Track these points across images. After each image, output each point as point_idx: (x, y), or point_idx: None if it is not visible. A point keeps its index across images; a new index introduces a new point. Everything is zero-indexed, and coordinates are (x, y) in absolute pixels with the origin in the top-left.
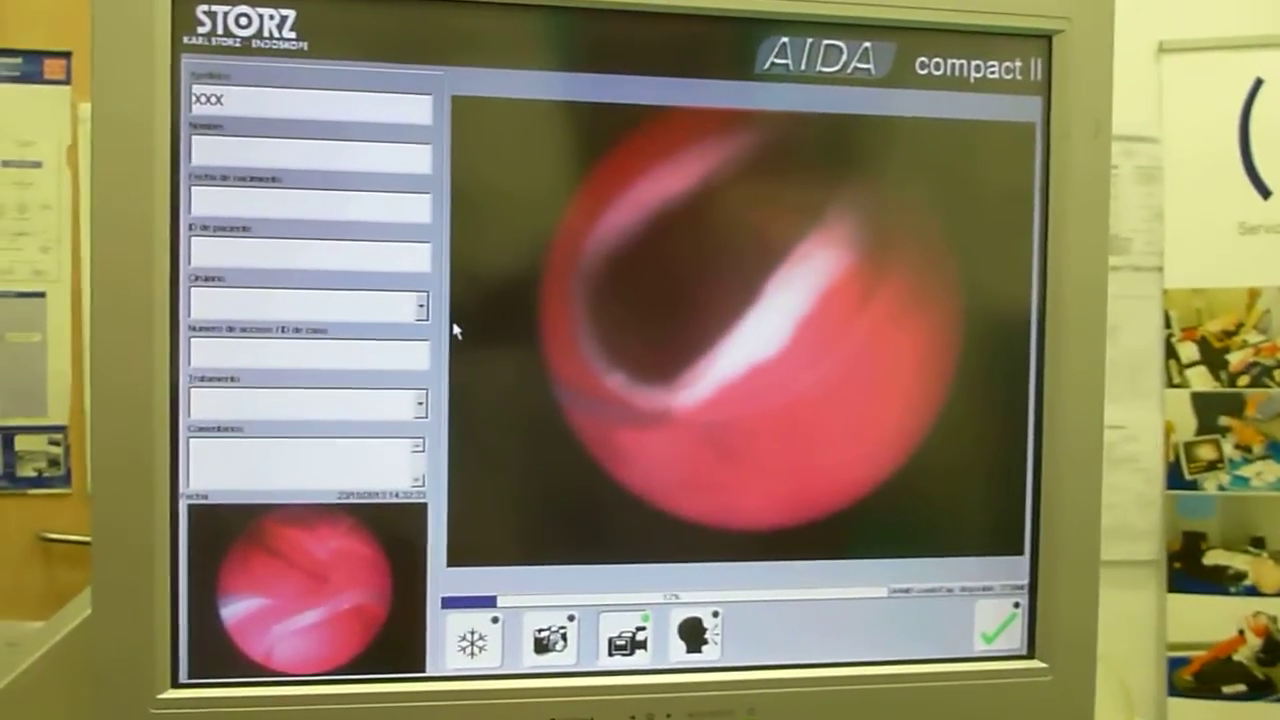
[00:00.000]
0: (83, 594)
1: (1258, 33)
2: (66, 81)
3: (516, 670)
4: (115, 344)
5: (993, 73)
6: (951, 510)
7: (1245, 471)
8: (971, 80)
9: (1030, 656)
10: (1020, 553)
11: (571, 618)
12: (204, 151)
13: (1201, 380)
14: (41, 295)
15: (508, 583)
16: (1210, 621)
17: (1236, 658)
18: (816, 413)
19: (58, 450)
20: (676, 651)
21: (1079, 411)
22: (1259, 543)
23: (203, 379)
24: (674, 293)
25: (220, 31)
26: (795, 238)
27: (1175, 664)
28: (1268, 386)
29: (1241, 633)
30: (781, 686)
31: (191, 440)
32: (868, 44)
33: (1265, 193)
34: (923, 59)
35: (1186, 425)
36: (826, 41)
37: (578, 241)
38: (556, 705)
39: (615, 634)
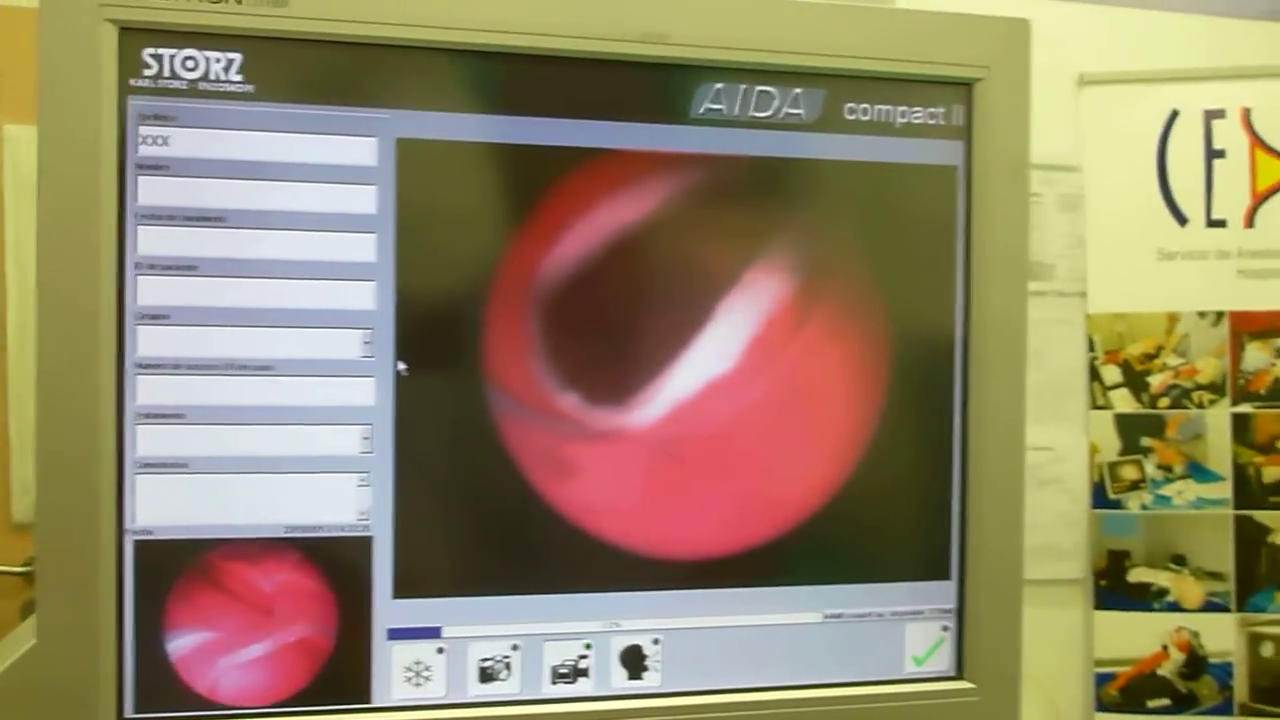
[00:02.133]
0: (16, 630)
1: (1174, 67)
2: None
3: (462, 700)
4: (61, 380)
5: (917, 118)
6: (882, 537)
7: (1167, 491)
8: (897, 125)
9: (959, 677)
10: (948, 578)
11: (515, 647)
12: (150, 192)
13: (1124, 402)
14: None
15: (453, 613)
16: (1135, 638)
17: (1160, 672)
18: (752, 443)
19: None
20: (619, 679)
21: (1000, 442)
22: (1180, 560)
23: (148, 416)
24: (617, 324)
25: (167, 74)
26: (729, 275)
27: (1102, 680)
28: (1186, 408)
29: (1165, 648)
30: (721, 711)
31: (137, 476)
32: (798, 90)
33: (1182, 220)
34: (851, 105)
35: (1110, 446)
36: (759, 88)
37: (520, 280)
38: None
39: (558, 662)
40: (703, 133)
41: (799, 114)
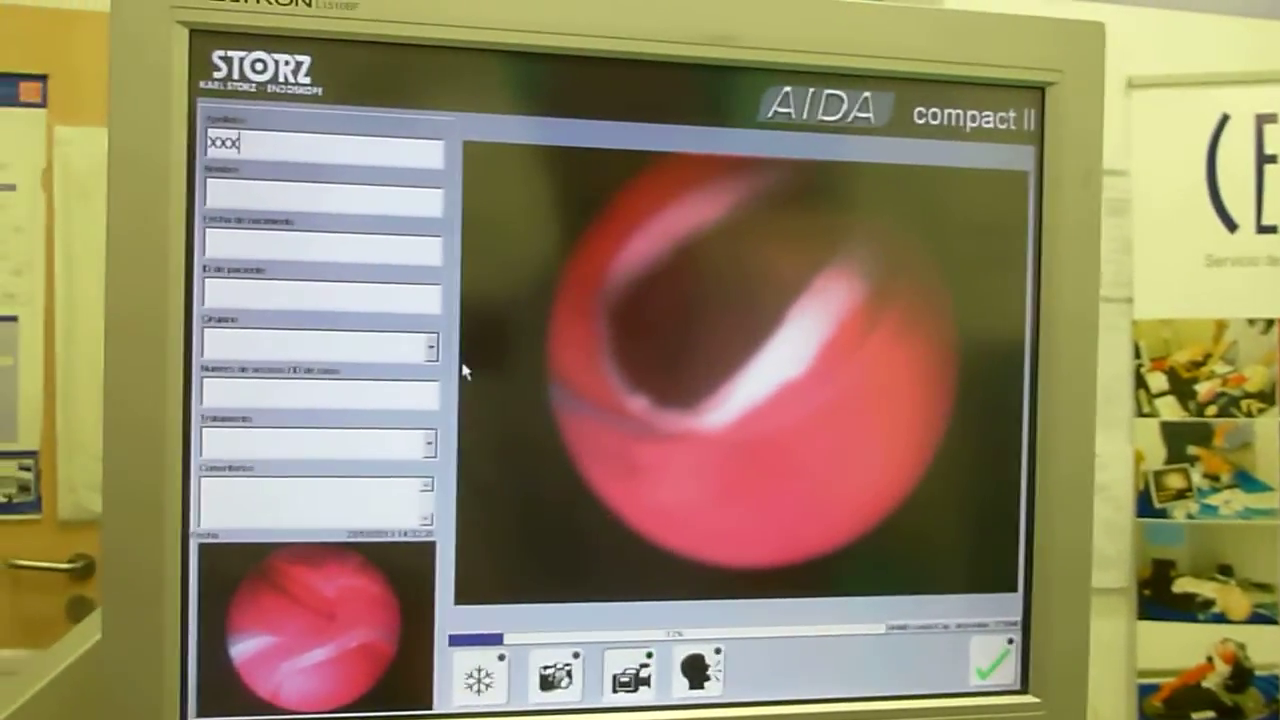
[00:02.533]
0: (76, 628)
1: (1224, 70)
2: (42, 104)
3: (522, 707)
4: (129, 382)
5: (988, 123)
6: (948, 548)
7: (1213, 500)
8: (967, 130)
9: (1024, 691)
10: (1014, 590)
11: (577, 655)
12: (219, 194)
13: (1170, 410)
14: (13, 319)
15: (515, 620)
16: (1179, 648)
17: (1205, 684)
18: (820, 450)
19: (28, 476)
20: (680, 688)
21: (1070, 452)
22: (1227, 570)
23: (215, 419)
24: (685, 328)
25: (236, 76)
26: (798, 280)
27: (1145, 691)
28: (1234, 416)
29: (1210, 660)
30: None
31: (203, 479)
32: (867, 94)
33: (1232, 226)
34: (920, 109)
35: (1156, 454)
36: (828, 91)
37: (587, 284)
38: None
39: (620, 671)
40: (771, 136)
41: (868, 118)
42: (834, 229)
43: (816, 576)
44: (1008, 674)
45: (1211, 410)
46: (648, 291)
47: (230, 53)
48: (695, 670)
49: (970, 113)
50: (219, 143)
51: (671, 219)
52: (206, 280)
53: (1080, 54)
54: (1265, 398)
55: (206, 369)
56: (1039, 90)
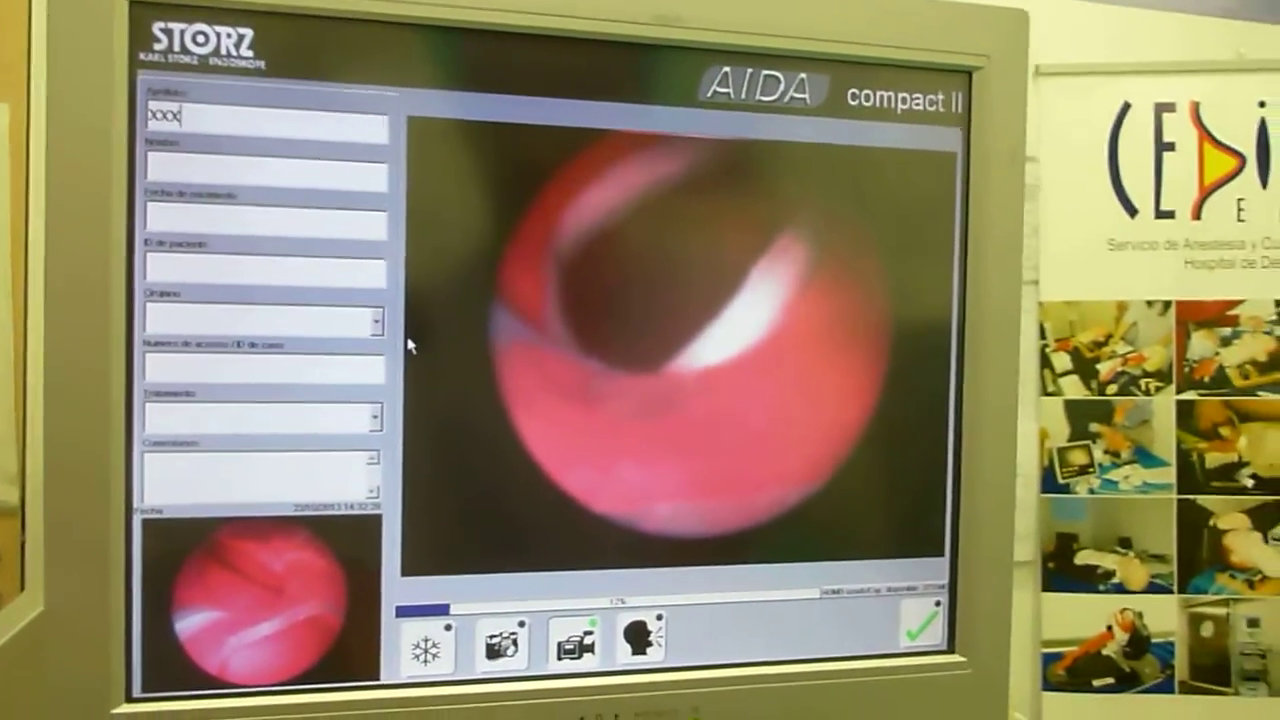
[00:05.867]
0: (14, 601)
1: (1127, 60)
2: None
3: (469, 676)
4: (70, 357)
5: (918, 105)
6: (879, 515)
7: (1114, 475)
8: (898, 111)
9: (951, 651)
10: (941, 554)
11: (522, 623)
12: (160, 167)
13: (1074, 389)
14: None
15: (460, 591)
16: (1081, 618)
17: (1105, 652)
18: (756, 423)
19: None
20: (623, 654)
21: (994, 423)
22: (1126, 543)
23: (158, 394)
24: (622, 305)
25: (177, 48)
26: (735, 257)
27: (1049, 659)
28: (1134, 395)
29: (1110, 628)
30: (723, 685)
31: (146, 455)
32: (804, 75)
33: (1132, 211)
34: (854, 91)
35: (1060, 432)
36: (766, 72)
37: (529, 259)
38: (508, 709)
39: (564, 638)
40: (709, 116)
41: (804, 98)
42: (772, 207)
43: (754, 544)
44: (936, 635)
45: (1112, 389)
46: (589, 264)
47: (171, 24)
48: (638, 636)
49: (901, 95)
50: (160, 115)
51: (612, 195)
52: (148, 254)
53: (1005, 39)
54: (1163, 376)
55: (149, 344)
56: (966, 74)
